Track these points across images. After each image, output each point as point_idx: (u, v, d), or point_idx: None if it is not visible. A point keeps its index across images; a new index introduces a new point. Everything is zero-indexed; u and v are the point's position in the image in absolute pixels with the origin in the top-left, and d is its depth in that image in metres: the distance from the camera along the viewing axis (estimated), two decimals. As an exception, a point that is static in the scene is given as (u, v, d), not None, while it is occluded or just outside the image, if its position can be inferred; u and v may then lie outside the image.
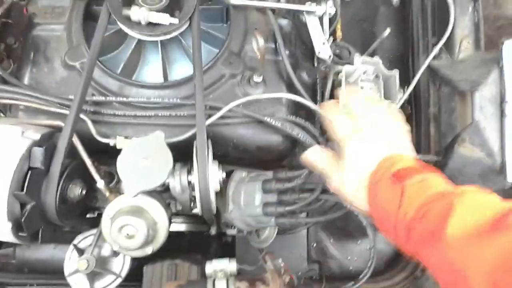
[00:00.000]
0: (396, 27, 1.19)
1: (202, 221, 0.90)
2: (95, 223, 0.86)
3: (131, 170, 0.68)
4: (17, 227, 0.67)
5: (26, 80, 0.88)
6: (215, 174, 0.74)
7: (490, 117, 0.82)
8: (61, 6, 0.91)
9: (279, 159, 0.92)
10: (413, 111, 1.04)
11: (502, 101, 0.82)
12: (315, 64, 1.03)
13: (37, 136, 0.70)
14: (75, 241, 0.82)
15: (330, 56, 0.97)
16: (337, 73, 1.00)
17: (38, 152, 0.67)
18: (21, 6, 1.03)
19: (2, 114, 0.98)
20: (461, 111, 0.90)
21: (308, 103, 0.86)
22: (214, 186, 0.74)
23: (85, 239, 0.83)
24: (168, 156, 0.69)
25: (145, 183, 0.68)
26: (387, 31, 0.96)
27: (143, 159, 0.68)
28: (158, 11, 0.79)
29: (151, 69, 0.90)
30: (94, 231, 0.83)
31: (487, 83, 0.82)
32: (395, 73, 0.96)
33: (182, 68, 0.90)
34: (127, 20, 0.80)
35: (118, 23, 0.81)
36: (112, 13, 0.80)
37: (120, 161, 0.69)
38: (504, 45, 0.81)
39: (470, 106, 0.84)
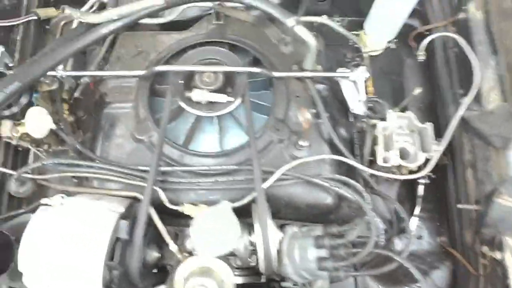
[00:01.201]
0: (423, 78, 1.28)
1: (254, 272, 0.97)
2: (161, 278, 0.95)
3: (204, 238, 0.77)
4: (108, 290, 0.77)
5: (98, 152, 1.01)
6: (275, 235, 0.82)
7: (525, 170, 0.86)
8: (128, 86, 1.04)
9: (327, 213, 0.99)
10: (450, 160, 1.09)
11: (536, 153, 0.87)
12: (350, 118, 1.13)
13: (121, 209, 0.81)
14: (147, 298, 0.91)
15: (364, 112, 1.06)
16: (373, 125, 1.08)
17: (124, 224, 0.78)
18: (88, 83, 1.19)
19: (75, 180, 1.12)
20: (496, 159, 0.95)
21: (351, 161, 0.94)
22: (275, 246, 0.82)
23: (155, 296, 0.92)
24: (236, 224, 0.78)
25: (217, 249, 0.77)
26: (418, 90, 1.03)
27: (214, 228, 0.77)
28: (215, 91, 0.92)
29: (207, 138, 1.01)
30: (163, 287, 0.92)
31: (518, 137, 0.88)
32: (429, 126, 1.02)
33: (234, 136, 1.01)
34: (189, 100, 0.93)
35: (181, 103, 0.94)
36: (175, 96, 0.92)
37: (194, 230, 0.78)
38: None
39: (504, 157, 0.89)
